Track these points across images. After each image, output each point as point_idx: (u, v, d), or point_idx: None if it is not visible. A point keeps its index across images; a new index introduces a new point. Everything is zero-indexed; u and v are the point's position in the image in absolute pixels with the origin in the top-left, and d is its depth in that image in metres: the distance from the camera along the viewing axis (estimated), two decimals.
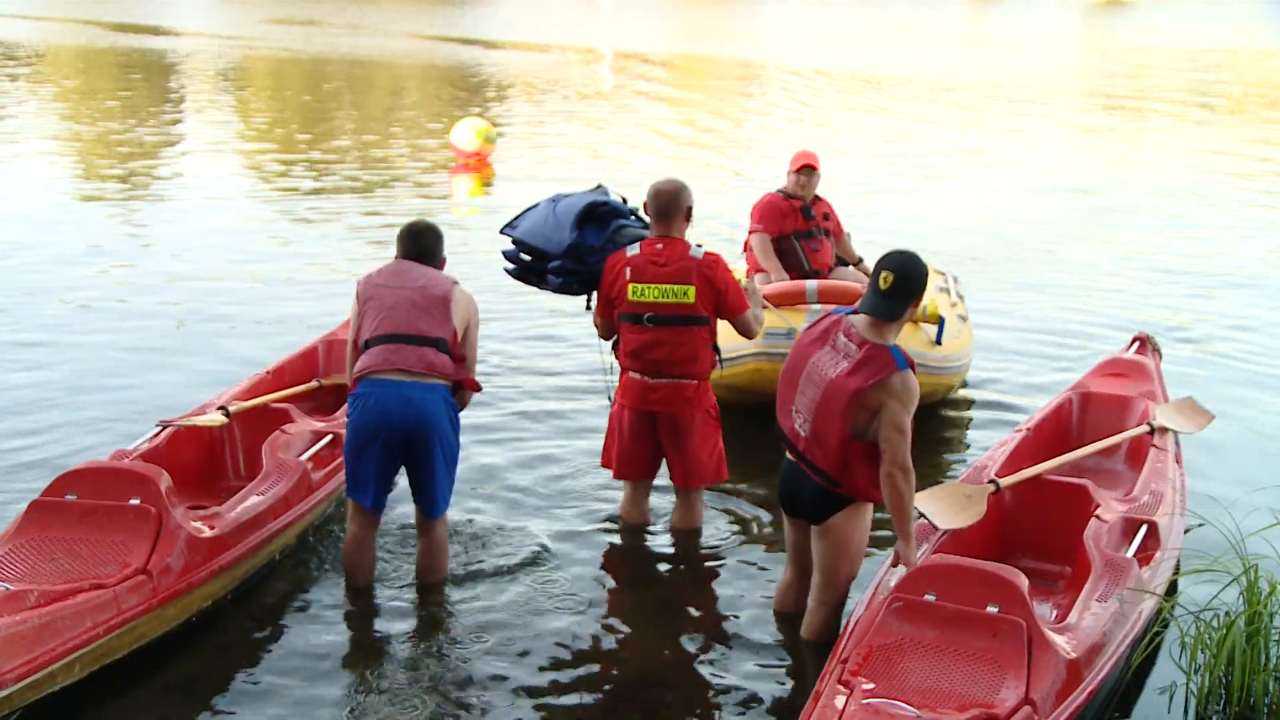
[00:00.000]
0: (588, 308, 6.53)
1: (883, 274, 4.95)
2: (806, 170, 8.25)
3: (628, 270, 6.09)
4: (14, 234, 12.97)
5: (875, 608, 4.73)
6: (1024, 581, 4.62)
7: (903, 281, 4.96)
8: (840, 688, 4.29)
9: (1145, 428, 6.75)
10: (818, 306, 7.75)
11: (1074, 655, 4.59)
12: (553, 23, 48.26)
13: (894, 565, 5.14)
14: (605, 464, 6.53)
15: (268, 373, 7.25)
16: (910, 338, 7.62)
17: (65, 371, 8.83)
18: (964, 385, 8.61)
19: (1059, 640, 4.58)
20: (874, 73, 33.65)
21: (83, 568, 5.12)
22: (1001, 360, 9.71)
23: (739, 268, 8.27)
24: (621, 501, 6.61)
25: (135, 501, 5.35)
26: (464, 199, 16.41)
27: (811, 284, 7.98)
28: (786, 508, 5.38)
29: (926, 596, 4.63)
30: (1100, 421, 7.12)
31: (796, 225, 8.30)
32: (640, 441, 6.31)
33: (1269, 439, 8.28)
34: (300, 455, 6.40)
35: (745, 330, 6.28)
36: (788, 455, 5.26)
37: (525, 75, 30.85)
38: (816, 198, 8.39)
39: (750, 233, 8.46)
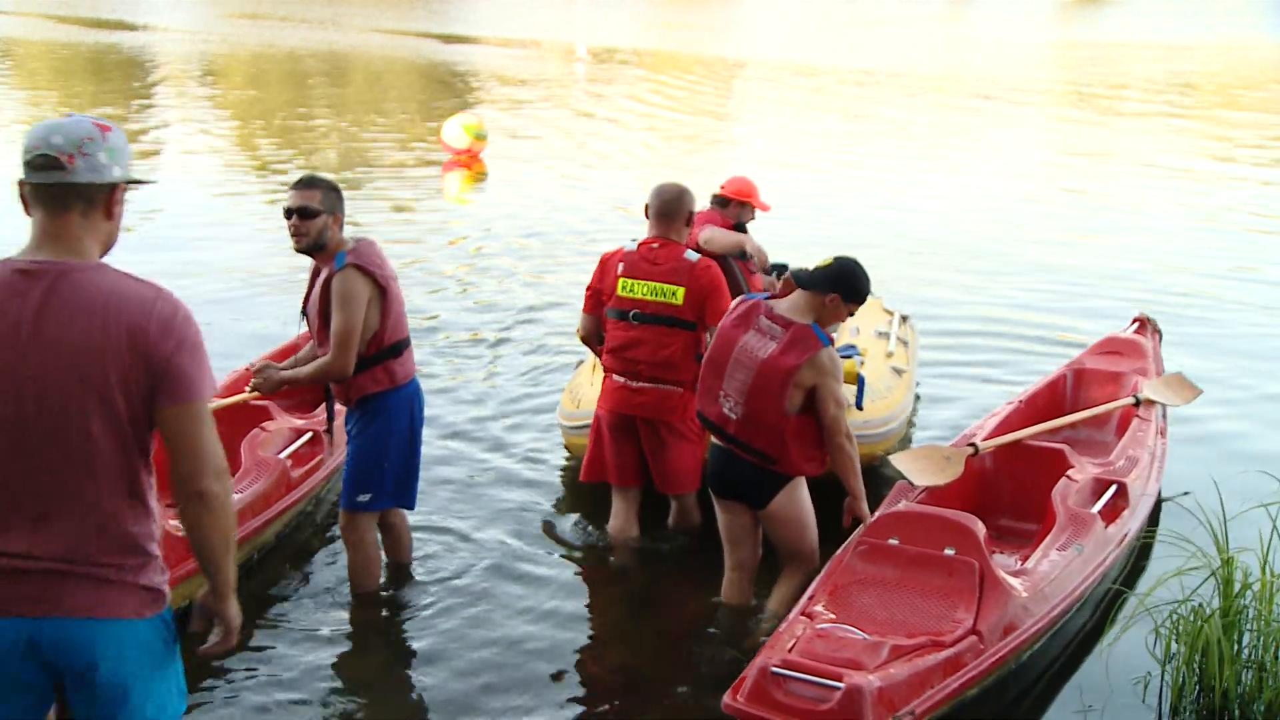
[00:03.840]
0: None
1: (826, 257, 5.52)
2: (745, 205, 7.70)
3: (620, 265, 6.40)
4: None
5: (843, 553, 5.37)
6: (981, 527, 5.27)
7: (836, 269, 5.45)
8: (803, 619, 4.93)
9: (1131, 399, 7.34)
10: None
11: (1025, 595, 5.18)
12: (527, 18, 48.64)
13: (848, 524, 5.66)
14: (588, 476, 6.74)
15: (247, 369, 7.43)
16: None
17: None
18: (908, 437, 8.20)
19: (1012, 581, 5.20)
20: (851, 68, 34.54)
21: None
22: (999, 341, 10.44)
23: None
24: (612, 513, 6.85)
25: None
26: (456, 196, 17.08)
27: None
28: (716, 489, 5.79)
29: (890, 541, 5.26)
30: (1092, 396, 7.71)
31: None
32: (623, 447, 6.61)
33: (1255, 420, 8.89)
34: (279, 453, 6.69)
35: None
36: (714, 441, 5.74)
37: (502, 71, 31.47)
38: None
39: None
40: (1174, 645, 5.27)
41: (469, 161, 18.39)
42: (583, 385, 7.45)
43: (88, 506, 3.18)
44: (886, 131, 23.49)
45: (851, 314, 5.54)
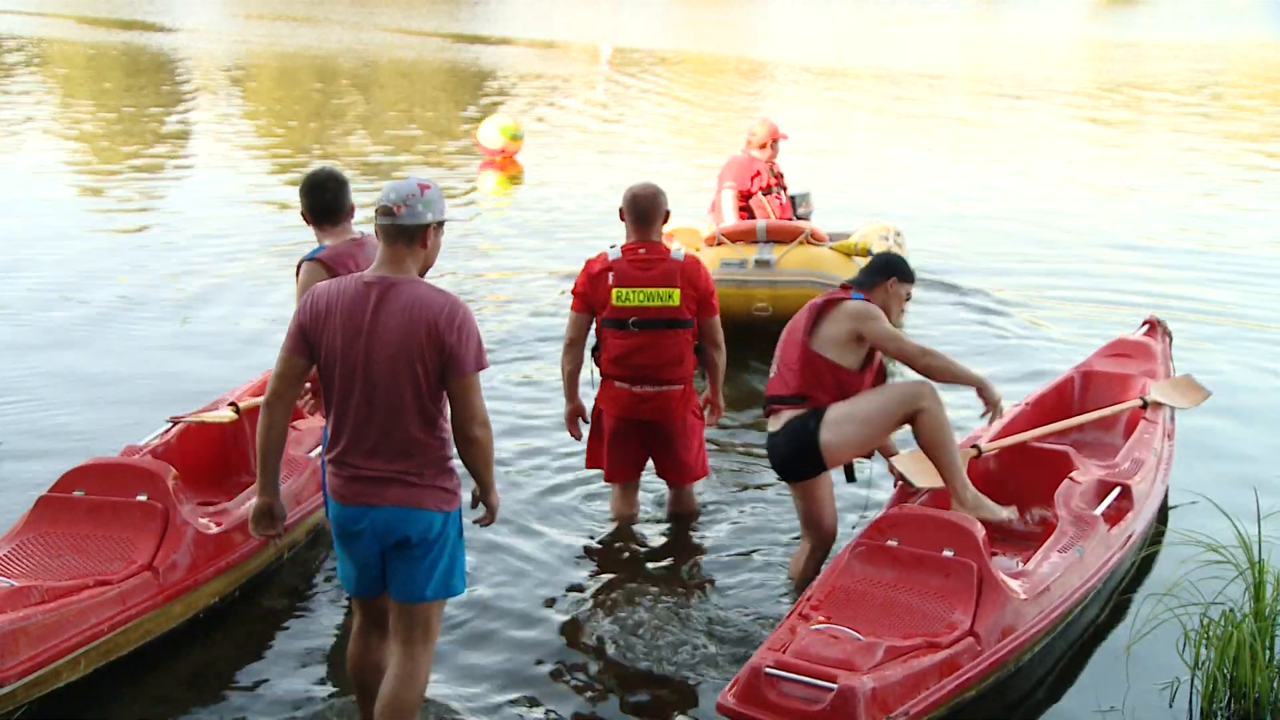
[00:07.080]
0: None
1: (870, 258, 6.22)
2: (775, 144, 10.05)
3: (610, 275, 6.45)
4: (16, 232, 13.63)
5: (841, 554, 5.46)
6: (980, 529, 5.33)
7: (882, 259, 6.16)
8: (800, 620, 5.01)
9: (1138, 402, 7.35)
10: (766, 243, 9.78)
11: (1024, 596, 5.23)
12: (545, 18, 48.67)
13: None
14: (591, 464, 6.95)
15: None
16: (842, 267, 9.56)
17: (73, 367, 9.39)
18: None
19: (1011, 583, 5.26)
20: (881, 67, 34.47)
21: (89, 564, 5.41)
22: (1011, 342, 10.48)
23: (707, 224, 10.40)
24: (611, 500, 7.06)
25: (142, 498, 5.71)
26: (492, 196, 17.20)
27: (761, 223, 9.84)
28: (776, 470, 6.12)
29: (889, 542, 5.33)
30: (1100, 398, 7.70)
31: (762, 184, 10.08)
32: (628, 448, 6.76)
33: (1267, 422, 8.88)
34: (310, 452, 6.73)
35: (712, 338, 6.60)
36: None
37: (529, 71, 31.55)
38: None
39: (720, 190, 10.06)
40: (1203, 650, 5.21)
41: (504, 163, 18.57)
42: None
43: (399, 439, 4.52)
44: (914, 128, 23.49)
45: (909, 297, 6.12)
